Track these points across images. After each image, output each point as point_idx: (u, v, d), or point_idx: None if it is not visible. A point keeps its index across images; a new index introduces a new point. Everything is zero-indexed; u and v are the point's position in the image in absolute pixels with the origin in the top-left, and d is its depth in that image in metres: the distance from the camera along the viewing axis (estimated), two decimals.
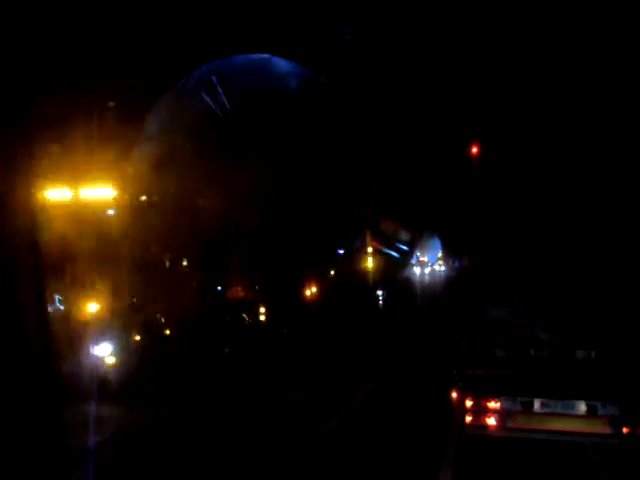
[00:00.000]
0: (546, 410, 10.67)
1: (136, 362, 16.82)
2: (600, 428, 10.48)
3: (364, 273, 34.87)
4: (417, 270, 55.62)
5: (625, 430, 10.33)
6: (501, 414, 10.75)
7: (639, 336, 11.01)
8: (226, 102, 23.62)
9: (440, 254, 47.90)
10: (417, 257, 50.56)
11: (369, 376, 17.21)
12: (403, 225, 42.01)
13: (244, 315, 24.04)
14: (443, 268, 49.24)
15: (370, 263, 35.44)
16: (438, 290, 44.17)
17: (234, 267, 24.60)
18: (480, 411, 10.80)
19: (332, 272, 31.22)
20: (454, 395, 11.68)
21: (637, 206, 11.53)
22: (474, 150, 12.19)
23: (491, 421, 10.77)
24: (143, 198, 23.29)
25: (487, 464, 10.71)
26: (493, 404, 10.76)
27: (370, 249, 35.43)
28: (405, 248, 45.14)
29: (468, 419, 10.87)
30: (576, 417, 10.56)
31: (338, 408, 14.13)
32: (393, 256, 42.09)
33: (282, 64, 25.19)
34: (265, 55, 25.01)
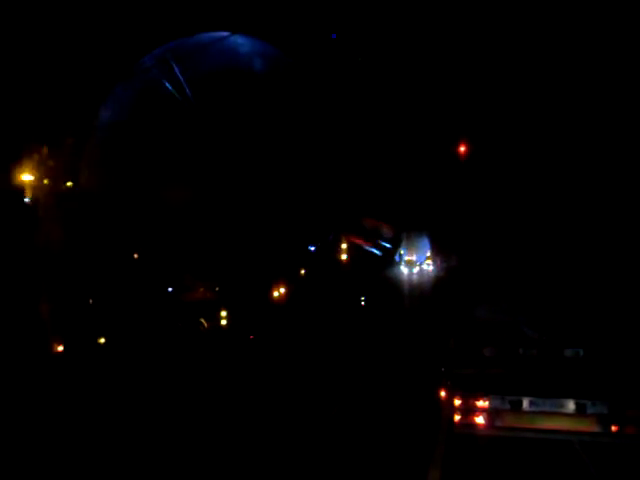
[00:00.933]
0: (535, 409, 10.64)
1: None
2: (589, 426, 10.48)
3: (340, 272, 32.40)
4: (405, 270, 55.10)
5: (614, 428, 10.34)
6: (490, 413, 10.72)
7: (627, 335, 11.03)
8: (186, 86, 21.80)
9: (429, 253, 46.58)
10: (404, 256, 49.60)
11: (343, 391, 15.19)
12: (386, 222, 39.75)
13: (202, 320, 21.54)
14: (431, 267, 47.83)
15: (345, 260, 33.32)
16: (426, 290, 43.03)
17: (189, 265, 22.18)
18: (469, 410, 10.76)
19: (302, 271, 28.99)
20: (443, 394, 11.65)
21: (625, 205, 11.55)
22: (462, 149, 12.16)
23: (480, 420, 10.73)
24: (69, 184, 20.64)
25: (476, 463, 10.68)
26: (482, 403, 10.72)
27: (345, 245, 33.19)
28: (388, 245, 43.21)
29: (457, 418, 10.83)
30: (565, 415, 10.55)
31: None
32: (375, 254, 40.11)
33: (245, 42, 22.93)
34: (225, 33, 22.55)
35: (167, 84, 21.81)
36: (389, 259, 46.04)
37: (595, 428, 10.44)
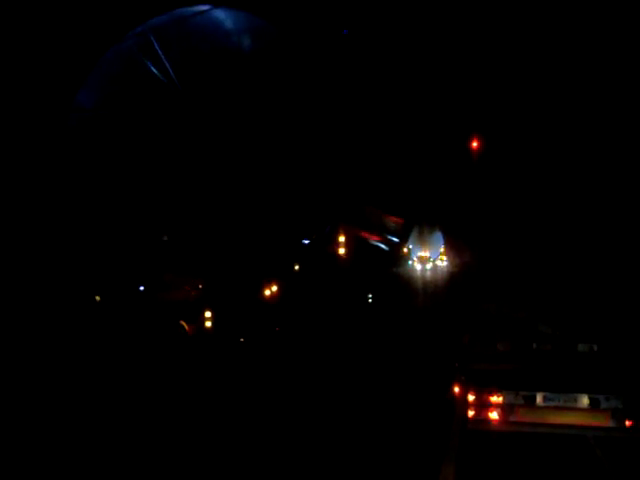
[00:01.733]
0: (549, 404, 10.64)
1: None
2: (603, 421, 10.46)
3: (339, 267, 28.94)
4: (418, 266, 53.45)
5: (628, 423, 10.32)
6: (503, 408, 10.72)
7: None
8: (170, 68, 19.96)
9: (442, 249, 43.76)
10: (417, 252, 48.04)
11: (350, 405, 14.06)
12: (393, 214, 36.94)
13: (183, 323, 19.24)
14: (445, 263, 44.94)
15: (345, 255, 29.27)
16: (439, 286, 41.25)
17: (167, 260, 20.04)
18: (482, 405, 10.77)
19: (296, 267, 26.04)
20: (456, 390, 11.68)
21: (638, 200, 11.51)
22: (474, 144, 12.15)
23: (493, 415, 10.75)
24: None
25: (489, 458, 10.70)
26: (495, 398, 10.74)
27: (344, 238, 29.24)
28: (395, 239, 39.99)
29: (470, 413, 10.85)
30: (579, 410, 10.54)
31: None
32: (381, 248, 37.28)
33: (228, 16, 20.56)
34: (205, 6, 20.19)
35: (150, 66, 20.12)
36: (397, 254, 43.05)
37: (609, 423, 10.43)
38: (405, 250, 44.82)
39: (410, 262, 47.59)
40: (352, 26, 23.72)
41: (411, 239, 44.31)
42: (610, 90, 12.39)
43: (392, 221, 38.02)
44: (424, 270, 50.92)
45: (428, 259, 49.67)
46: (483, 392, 10.79)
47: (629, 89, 11.81)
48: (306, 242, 25.88)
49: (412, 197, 35.77)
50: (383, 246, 37.82)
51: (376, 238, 36.59)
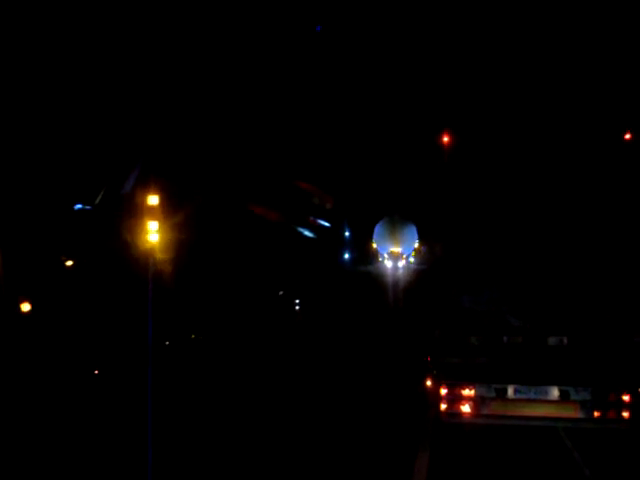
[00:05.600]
0: (520, 396, 10.79)
1: None
2: (572, 413, 10.64)
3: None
4: (389, 263, 50.60)
5: (596, 414, 10.52)
6: (475, 401, 10.83)
7: (609, 322, 11.18)
8: None
9: (417, 244, 39.60)
10: (388, 248, 43.20)
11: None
12: (325, 191, 29.22)
13: None
14: (413, 259, 40.27)
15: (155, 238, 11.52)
16: (410, 282, 38.38)
17: None
18: (455, 398, 10.87)
19: (69, 261, 15.13)
20: (429, 383, 11.75)
21: (608, 194, 11.67)
22: (445, 139, 12.23)
23: (466, 408, 10.85)
24: None
25: (463, 450, 10.80)
26: (467, 391, 10.84)
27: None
28: (326, 225, 31.87)
29: (443, 407, 10.94)
30: (549, 402, 10.71)
31: None
32: (306, 236, 28.97)
33: None
34: None
35: None
36: (330, 244, 34.09)
37: (578, 414, 10.61)
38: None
39: (380, 259, 43.23)
40: (324, 22, 23.66)
41: (380, 233, 38.71)
42: (574, 82, 12.57)
43: (323, 199, 30.55)
44: (395, 267, 47.06)
45: (400, 255, 44.34)
46: (455, 385, 10.89)
47: (596, 91, 12.01)
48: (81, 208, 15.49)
49: (347, 173, 30.19)
50: (307, 233, 29.68)
51: (296, 221, 28.23)
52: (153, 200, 9.28)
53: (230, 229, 21.28)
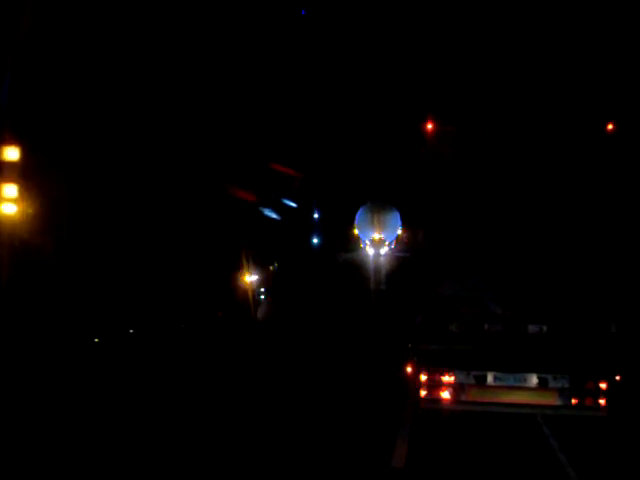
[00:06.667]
0: (499, 383, 10.89)
1: None
2: (551, 400, 10.78)
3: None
4: (370, 251, 50.14)
5: (574, 401, 10.66)
6: (455, 388, 10.92)
7: (588, 311, 11.29)
8: None
9: (400, 231, 38.01)
10: (370, 234, 41.52)
11: None
12: (294, 169, 26.39)
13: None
14: (393, 246, 38.43)
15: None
16: (391, 270, 33.90)
17: None
18: (434, 385, 10.95)
19: None
20: (409, 370, 11.81)
21: (589, 184, 11.73)
22: (429, 127, 12.20)
23: (445, 395, 10.93)
24: None
25: (441, 436, 10.89)
26: (447, 378, 10.92)
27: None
28: (292, 205, 29.52)
29: (423, 393, 11.01)
30: (528, 389, 10.82)
31: None
32: (270, 218, 26.40)
33: None
34: None
35: None
36: (298, 226, 31.02)
37: (556, 401, 10.74)
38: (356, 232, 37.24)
39: (362, 246, 41.65)
40: (309, 6, 23.44)
41: (362, 219, 37.01)
42: (557, 72, 12.59)
43: (290, 177, 27.52)
44: (378, 255, 45.90)
45: (383, 242, 42.55)
46: (435, 372, 10.96)
47: (579, 85, 12.03)
48: None
49: (319, 149, 27.64)
50: (273, 214, 27.21)
51: (252, 198, 24.20)
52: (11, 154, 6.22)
53: (163, 206, 18.28)
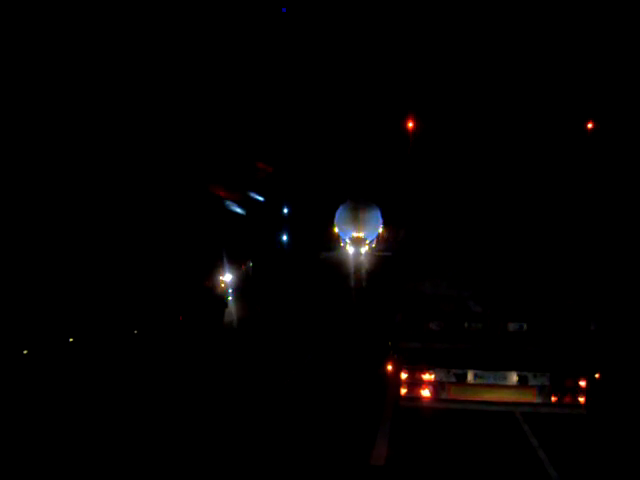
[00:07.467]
0: (479, 381, 10.88)
1: None
2: (530, 398, 10.79)
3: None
4: (350, 249, 49.80)
5: (553, 399, 10.68)
6: (435, 385, 10.90)
7: (567, 309, 11.32)
8: None
9: (381, 230, 36.97)
10: (350, 232, 40.76)
11: None
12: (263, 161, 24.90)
13: None
14: (373, 245, 37.58)
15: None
16: (370, 268, 33.02)
17: None
18: (415, 383, 10.92)
19: None
20: (389, 368, 11.78)
21: (569, 183, 11.78)
22: (410, 125, 12.18)
23: (425, 393, 10.90)
24: None
25: (421, 434, 10.86)
26: (427, 376, 10.89)
27: None
28: (259, 198, 27.55)
29: (403, 391, 10.97)
30: (508, 387, 10.82)
31: None
32: (235, 212, 24.81)
33: None
34: None
35: None
36: (265, 222, 29.08)
37: (536, 399, 10.75)
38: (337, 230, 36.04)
39: (342, 244, 40.94)
40: (290, 4, 23.37)
41: (342, 217, 36.08)
42: (537, 71, 12.63)
43: (256, 167, 25.97)
44: (357, 253, 45.44)
45: (364, 241, 41.72)
46: (415, 370, 10.93)
47: (562, 84, 12.09)
48: None
49: (290, 140, 26.44)
50: (238, 209, 25.45)
51: (224, 194, 23.42)
52: None
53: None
